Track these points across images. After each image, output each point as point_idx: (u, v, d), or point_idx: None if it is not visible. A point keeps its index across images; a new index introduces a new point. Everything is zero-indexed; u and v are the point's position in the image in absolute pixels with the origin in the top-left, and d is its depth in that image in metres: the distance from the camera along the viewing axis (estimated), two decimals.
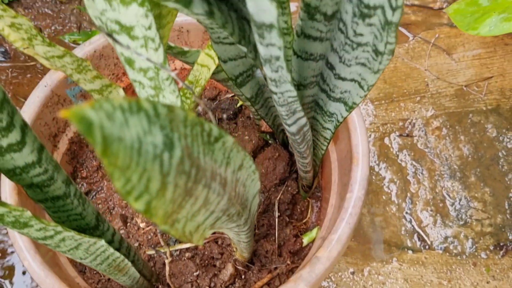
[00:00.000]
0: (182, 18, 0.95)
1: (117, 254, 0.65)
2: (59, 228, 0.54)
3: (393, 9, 0.39)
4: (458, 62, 1.21)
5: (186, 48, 0.71)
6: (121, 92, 0.72)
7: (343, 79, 0.56)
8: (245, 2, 0.44)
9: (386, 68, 1.20)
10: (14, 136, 0.48)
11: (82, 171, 0.94)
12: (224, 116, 0.94)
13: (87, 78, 0.69)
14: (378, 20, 0.43)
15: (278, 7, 0.35)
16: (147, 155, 0.29)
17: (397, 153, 1.12)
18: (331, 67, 0.56)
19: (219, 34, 0.53)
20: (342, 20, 0.48)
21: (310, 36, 0.52)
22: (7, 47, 1.25)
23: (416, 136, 1.14)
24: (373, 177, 1.10)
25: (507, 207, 1.06)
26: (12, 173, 0.51)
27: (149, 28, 0.46)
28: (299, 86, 0.63)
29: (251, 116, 0.96)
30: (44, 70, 1.22)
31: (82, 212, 0.60)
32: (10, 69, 1.20)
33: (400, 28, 1.25)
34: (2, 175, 0.79)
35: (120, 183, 0.27)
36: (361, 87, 0.55)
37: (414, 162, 1.11)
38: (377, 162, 1.12)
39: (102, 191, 0.93)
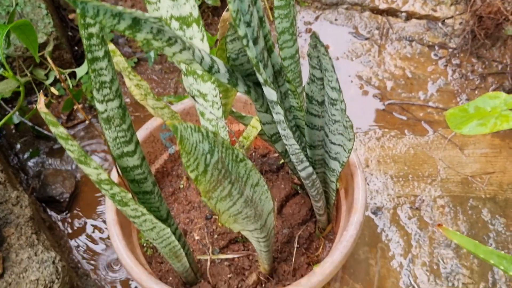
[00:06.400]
0: None
1: (176, 242, 0.98)
2: (145, 211, 0.87)
3: (341, 101, 0.72)
4: (468, 156, 1.49)
5: (243, 114, 1.05)
6: None
7: (334, 143, 0.88)
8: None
9: (407, 154, 1.50)
10: (131, 147, 0.83)
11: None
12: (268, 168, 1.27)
13: None
14: (339, 107, 0.75)
15: (278, 93, 0.69)
16: (199, 151, 0.62)
17: (406, 221, 1.40)
18: (327, 135, 0.88)
19: (257, 105, 0.87)
20: (326, 105, 0.81)
21: (312, 113, 0.85)
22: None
23: (423, 210, 1.41)
24: (383, 237, 1.38)
25: (490, 278, 1.31)
26: (124, 170, 0.86)
27: (216, 96, 0.81)
28: (311, 146, 0.95)
29: (289, 172, 1.28)
30: (145, 119, 1.60)
31: (159, 206, 0.94)
32: None
33: (423, 124, 1.55)
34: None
35: (184, 160, 0.61)
36: (344, 150, 0.87)
37: (418, 230, 1.39)
38: (388, 226, 1.40)
39: (173, 211, 1.26)
